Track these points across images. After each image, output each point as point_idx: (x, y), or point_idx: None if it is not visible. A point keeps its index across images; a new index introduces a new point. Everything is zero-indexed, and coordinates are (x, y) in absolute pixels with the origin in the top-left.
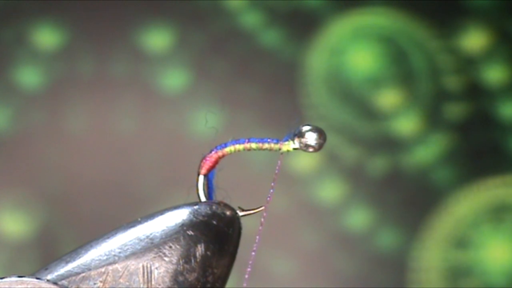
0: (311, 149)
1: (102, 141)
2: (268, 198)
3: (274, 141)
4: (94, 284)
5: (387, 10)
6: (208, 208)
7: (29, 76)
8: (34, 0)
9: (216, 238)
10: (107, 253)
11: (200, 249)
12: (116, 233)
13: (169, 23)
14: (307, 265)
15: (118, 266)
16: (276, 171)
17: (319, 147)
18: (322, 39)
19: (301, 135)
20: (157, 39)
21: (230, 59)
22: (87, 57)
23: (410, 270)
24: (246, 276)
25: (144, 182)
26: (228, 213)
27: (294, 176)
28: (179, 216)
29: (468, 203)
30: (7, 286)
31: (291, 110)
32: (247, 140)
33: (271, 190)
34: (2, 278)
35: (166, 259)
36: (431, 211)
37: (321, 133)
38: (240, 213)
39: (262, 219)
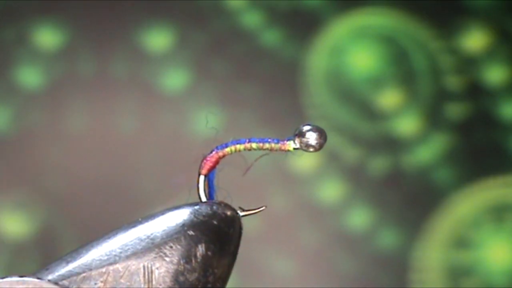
0: (311, 149)
1: (103, 141)
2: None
3: (275, 141)
4: (95, 284)
5: (387, 10)
6: (208, 208)
7: (29, 76)
8: (34, 0)
9: (217, 238)
10: (108, 253)
11: (200, 249)
12: (116, 233)
13: (170, 23)
14: (307, 265)
15: (119, 266)
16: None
17: (319, 147)
18: (323, 39)
19: (301, 135)
20: (158, 39)
21: (231, 59)
22: (87, 57)
23: (411, 270)
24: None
25: (145, 182)
26: (228, 213)
27: (295, 176)
28: (180, 216)
29: (469, 203)
30: (7, 286)
31: (291, 110)
32: (247, 140)
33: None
34: (2, 278)
35: (167, 259)
36: (432, 211)
37: (321, 133)
38: (241, 213)
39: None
